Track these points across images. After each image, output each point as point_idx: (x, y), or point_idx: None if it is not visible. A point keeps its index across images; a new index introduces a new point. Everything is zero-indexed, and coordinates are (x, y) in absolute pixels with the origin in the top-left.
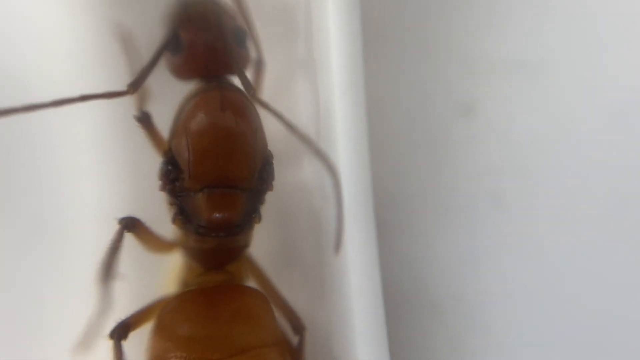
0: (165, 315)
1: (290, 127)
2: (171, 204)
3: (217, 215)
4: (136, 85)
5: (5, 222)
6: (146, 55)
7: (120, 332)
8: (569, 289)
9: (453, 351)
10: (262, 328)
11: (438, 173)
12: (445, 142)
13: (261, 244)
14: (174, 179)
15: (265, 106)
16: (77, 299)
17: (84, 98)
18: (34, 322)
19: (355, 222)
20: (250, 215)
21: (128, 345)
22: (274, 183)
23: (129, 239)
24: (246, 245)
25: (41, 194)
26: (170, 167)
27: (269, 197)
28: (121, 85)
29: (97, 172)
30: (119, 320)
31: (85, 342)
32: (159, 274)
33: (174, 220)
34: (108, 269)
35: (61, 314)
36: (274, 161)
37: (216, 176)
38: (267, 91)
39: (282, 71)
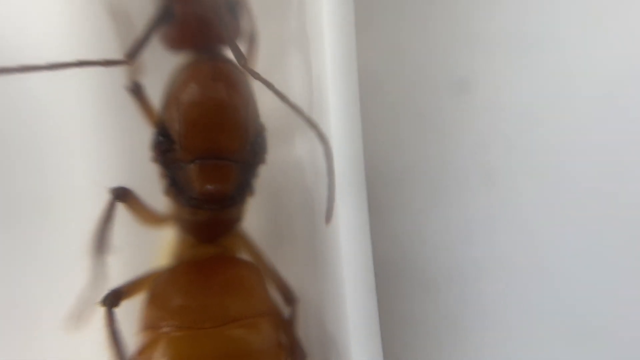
0: (158, 286)
1: (281, 97)
2: (163, 175)
3: (209, 186)
4: (132, 55)
5: None
6: (140, 28)
7: (112, 300)
8: (559, 264)
9: (445, 326)
10: (254, 298)
11: (430, 149)
12: (437, 118)
13: (255, 219)
14: (166, 150)
15: (257, 76)
16: (70, 272)
17: (81, 64)
18: (28, 297)
19: (346, 194)
20: (243, 188)
21: (120, 313)
22: (267, 157)
23: (122, 212)
24: (239, 218)
25: (34, 167)
26: (162, 138)
27: (262, 172)
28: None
29: (90, 145)
30: (111, 288)
31: (78, 314)
32: (153, 248)
33: (167, 192)
34: (101, 240)
35: (54, 287)
36: (267, 136)
37: (208, 147)
38: (260, 64)
39: (274, 45)
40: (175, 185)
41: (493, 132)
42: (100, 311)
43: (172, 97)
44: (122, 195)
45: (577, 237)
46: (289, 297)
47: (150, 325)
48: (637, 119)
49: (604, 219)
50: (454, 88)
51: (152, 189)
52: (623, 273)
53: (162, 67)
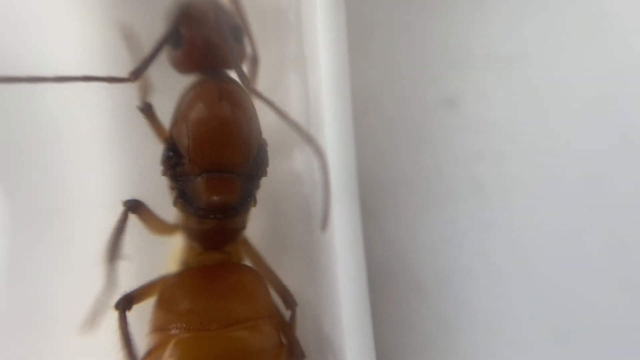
0: (167, 290)
1: (281, 114)
2: (172, 188)
3: (215, 197)
4: (137, 74)
5: (13, 207)
6: (147, 49)
7: (125, 304)
8: (545, 269)
9: (436, 328)
10: (256, 302)
11: (422, 160)
12: (428, 131)
13: (256, 229)
14: (175, 164)
15: (259, 95)
16: (84, 280)
17: (87, 78)
18: (43, 304)
19: (341, 203)
20: (246, 199)
21: (132, 316)
22: (268, 169)
23: (134, 221)
24: (243, 227)
25: (53, 181)
26: (171, 154)
27: (264, 184)
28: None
29: (104, 160)
30: (124, 293)
31: (92, 319)
32: (162, 255)
33: (175, 203)
34: (113, 249)
35: (69, 294)
36: (269, 151)
37: (214, 161)
38: (262, 85)
39: (275, 67)
40: (183, 197)
41: (481, 144)
42: (114, 315)
43: (180, 115)
44: (134, 207)
45: (562, 243)
46: (289, 301)
47: (160, 327)
48: (617, 130)
49: (588, 225)
50: (444, 103)
51: (162, 200)
52: (608, 277)
53: (172, 87)
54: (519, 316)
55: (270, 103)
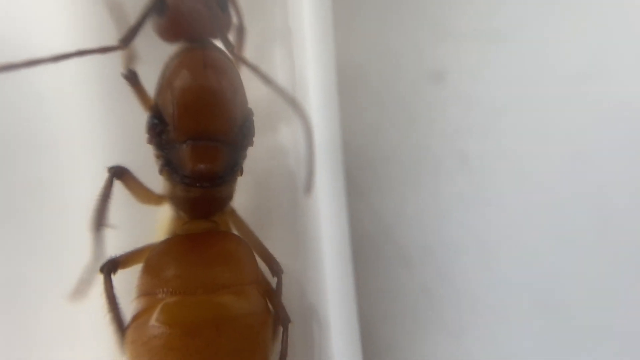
0: (153, 257)
1: (266, 79)
2: (158, 156)
3: (201, 166)
4: (127, 41)
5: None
6: (132, 18)
7: (110, 267)
8: (530, 241)
9: (421, 298)
10: (242, 268)
11: (409, 135)
12: (415, 106)
13: (242, 201)
14: (160, 132)
15: (244, 62)
16: (70, 250)
17: (81, 53)
18: (29, 274)
19: (325, 175)
20: (233, 168)
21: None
22: (255, 143)
23: (121, 191)
24: (229, 196)
25: (34, 151)
26: (156, 121)
27: (250, 156)
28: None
29: (89, 130)
30: (109, 257)
31: (80, 289)
32: (150, 226)
33: (162, 172)
34: (99, 216)
35: (56, 264)
36: (256, 123)
37: (199, 129)
38: (248, 56)
39: (260, 39)
40: (169, 165)
41: (467, 119)
42: (100, 278)
43: (165, 82)
44: (119, 173)
45: (547, 216)
46: (275, 269)
47: (146, 292)
48: (603, 104)
49: (572, 199)
50: (431, 78)
51: (148, 171)
52: (592, 249)
53: (156, 55)
54: (503, 287)
55: (255, 69)
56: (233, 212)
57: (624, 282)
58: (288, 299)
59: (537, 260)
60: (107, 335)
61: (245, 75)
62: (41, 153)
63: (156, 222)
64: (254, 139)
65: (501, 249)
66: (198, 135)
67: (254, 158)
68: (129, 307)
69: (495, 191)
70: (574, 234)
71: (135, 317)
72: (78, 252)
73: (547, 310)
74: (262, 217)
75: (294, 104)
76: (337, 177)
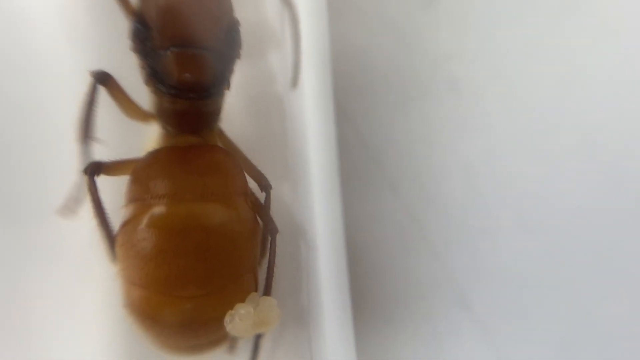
0: (142, 166)
1: None
2: (143, 66)
3: (186, 74)
4: None
5: None
6: None
7: (94, 169)
8: (515, 163)
9: (408, 223)
10: (230, 180)
11: (398, 61)
12: (406, 29)
13: (232, 127)
14: (144, 38)
15: None
16: (58, 161)
17: None
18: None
19: (314, 97)
20: (219, 80)
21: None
22: (243, 74)
23: (108, 108)
24: (217, 112)
25: (13, 69)
26: (139, 27)
27: (238, 84)
28: None
29: (72, 42)
30: (94, 160)
31: (69, 206)
32: (138, 143)
33: (147, 82)
34: (85, 126)
35: (42, 177)
36: (246, 49)
37: (182, 34)
38: None
39: None
40: (154, 76)
41: (457, 43)
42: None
43: None
44: (103, 78)
45: (533, 138)
46: (264, 184)
47: (135, 198)
48: (592, 25)
49: (560, 120)
50: (421, 3)
51: (133, 85)
52: (577, 168)
53: None
54: (487, 206)
55: None
56: (222, 133)
57: (609, 203)
58: (276, 220)
59: (522, 183)
60: None
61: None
62: (20, 70)
63: (145, 140)
64: (241, 50)
65: (487, 170)
66: (182, 42)
67: (243, 84)
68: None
69: (482, 115)
70: (560, 157)
71: (125, 223)
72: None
73: (530, 230)
74: (251, 142)
75: None
76: (327, 102)
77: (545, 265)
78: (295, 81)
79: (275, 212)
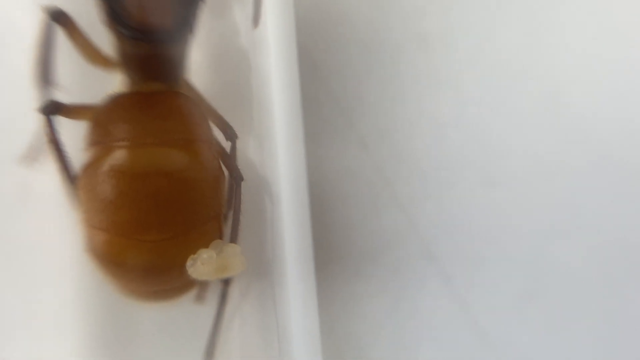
0: (103, 108)
1: None
2: (101, 6)
3: (146, 13)
4: None
5: None
6: None
7: (52, 108)
8: (480, 119)
9: (377, 179)
10: (194, 126)
11: (369, 16)
12: None
13: (196, 84)
14: None
15: None
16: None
17: None
18: None
19: (280, 54)
20: (182, 23)
21: None
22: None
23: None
24: (181, 59)
25: None
26: None
27: (204, 41)
28: None
29: None
30: (51, 99)
31: (30, 154)
32: (101, 94)
33: (106, 23)
34: (44, 69)
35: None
36: (210, 4)
37: None
38: None
39: None
40: (114, 16)
41: None
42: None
43: None
44: (58, 16)
45: (500, 93)
46: (229, 133)
47: (96, 141)
48: None
49: (525, 77)
50: None
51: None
52: (540, 128)
53: None
54: (453, 162)
55: None
56: (187, 83)
57: (570, 159)
58: (244, 162)
59: (488, 139)
60: None
61: None
62: None
63: (108, 90)
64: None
65: (455, 126)
66: None
67: (207, 41)
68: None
69: (452, 72)
70: (525, 113)
71: (86, 166)
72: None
73: (494, 185)
74: (216, 99)
75: None
76: (291, 57)
77: (507, 218)
78: (256, 21)
79: (240, 165)
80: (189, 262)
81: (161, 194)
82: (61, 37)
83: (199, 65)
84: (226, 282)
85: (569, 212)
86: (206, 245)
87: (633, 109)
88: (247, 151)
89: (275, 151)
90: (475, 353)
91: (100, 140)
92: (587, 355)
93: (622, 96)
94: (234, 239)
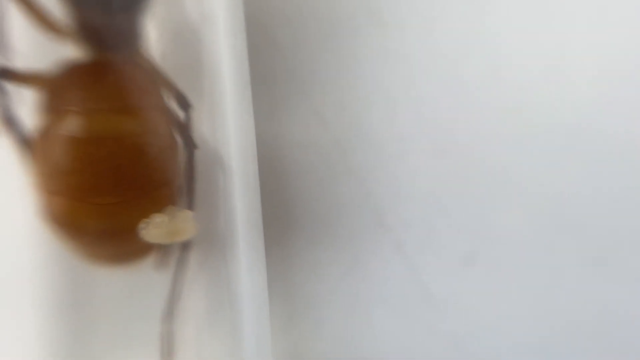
0: (56, 75)
1: None
2: None
3: None
4: None
5: None
6: None
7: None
8: (429, 92)
9: (335, 151)
10: (146, 94)
11: None
12: None
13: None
14: None
15: None
16: None
17: None
18: None
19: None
20: None
21: None
22: None
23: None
24: (136, 29)
25: None
26: None
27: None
28: None
29: None
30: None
31: None
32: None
33: None
34: None
35: None
36: None
37: None
38: None
39: None
40: None
41: None
42: None
43: None
44: None
45: (452, 68)
46: (184, 103)
47: (49, 108)
48: None
49: (472, 49)
50: None
51: None
52: (485, 102)
53: None
54: (405, 134)
55: None
56: (142, 54)
57: (512, 130)
58: (198, 130)
59: (437, 112)
60: None
61: None
62: None
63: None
64: None
65: (406, 101)
66: None
67: (160, 12)
68: None
69: (403, 44)
70: (470, 86)
71: (39, 131)
72: None
73: (442, 156)
74: (168, 66)
75: None
76: (240, 32)
77: (454, 187)
78: None
79: (194, 135)
80: (141, 225)
81: (114, 159)
82: (12, 4)
83: (152, 36)
84: (185, 248)
85: (509, 179)
86: (159, 211)
87: (567, 75)
88: (200, 123)
89: (225, 122)
90: (424, 314)
91: (53, 106)
92: (527, 314)
93: (559, 69)
94: (190, 207)
